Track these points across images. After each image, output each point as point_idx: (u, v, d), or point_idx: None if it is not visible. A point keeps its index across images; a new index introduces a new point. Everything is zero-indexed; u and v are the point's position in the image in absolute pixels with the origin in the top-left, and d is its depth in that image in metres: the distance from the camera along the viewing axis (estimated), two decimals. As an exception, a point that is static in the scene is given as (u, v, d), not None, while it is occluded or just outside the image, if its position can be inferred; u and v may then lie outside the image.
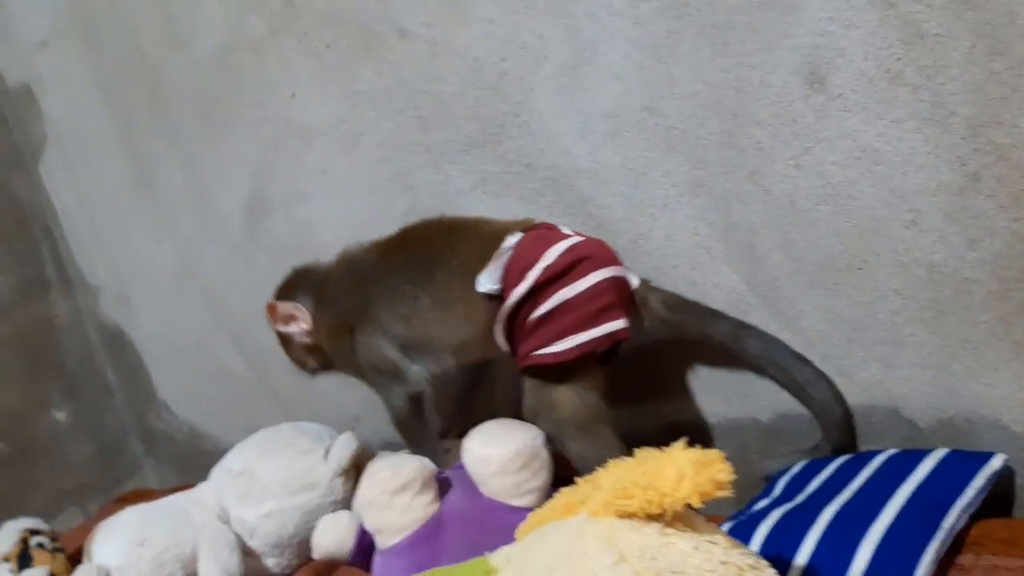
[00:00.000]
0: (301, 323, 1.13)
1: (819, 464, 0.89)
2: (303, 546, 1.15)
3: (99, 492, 1.90)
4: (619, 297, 0.91)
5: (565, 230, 0.97)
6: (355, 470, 1.21)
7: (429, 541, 0.88)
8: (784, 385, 0.93)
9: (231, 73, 1.37)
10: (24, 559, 1.33)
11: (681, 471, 0.56)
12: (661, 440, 0.90)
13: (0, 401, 1.76)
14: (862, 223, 0.89)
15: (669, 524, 0.58)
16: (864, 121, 0.85)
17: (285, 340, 1.18)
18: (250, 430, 1.67)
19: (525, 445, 0.90)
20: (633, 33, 0.96)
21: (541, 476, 0.91)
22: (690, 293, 1.01)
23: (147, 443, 1.96)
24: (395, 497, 0.89)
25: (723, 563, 0.56)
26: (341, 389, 1.47)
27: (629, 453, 0.87)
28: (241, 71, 1.35)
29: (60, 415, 1.87)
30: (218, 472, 1.23)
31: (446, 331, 0.98)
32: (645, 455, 0.61)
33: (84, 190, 1.77)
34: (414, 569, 0.86)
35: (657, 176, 1.00)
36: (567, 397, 0.91)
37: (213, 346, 1.66)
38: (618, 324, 0.90)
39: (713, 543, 0.58)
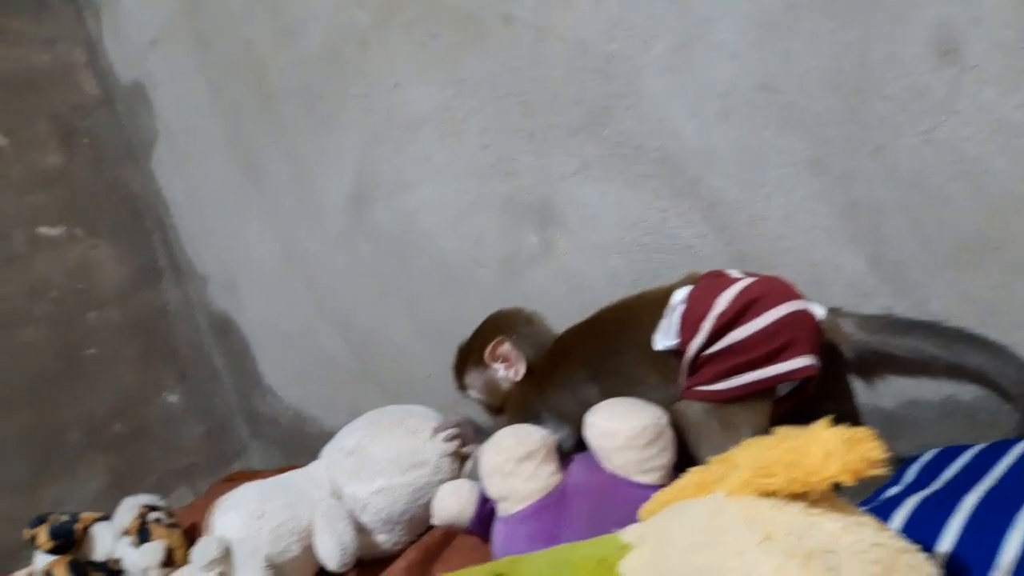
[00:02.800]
0: (511, 372, 1.11)
1: (952, 452, 0.86)
2: (413, 523, 1.18)
3: (208, 472, 1.99)
4: (799, 333, 0.87)
5: (734, 274, 0.95)
6: (460, 456, 1.24)
7: (553, 510, 0.88)
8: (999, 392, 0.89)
9: (336, 65, 1.40)
10: (143, 533, 1.40)
11: (828, 449, 0.54)
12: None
13: (117, 385, 1.85)
14: (998, 200, 0.85)
15: (813, 504, 0.57)
16: (1002, 93, 0.81)
17: (472, 360, 1.16)
18: (353, 414, 1.71)
19: (651, 422, 0.89)
20: (749, 9, 0.94)
21: (666, 455, 0.90)
22: (808, 275, 0.98)
23: (253, 425, 2.04)
24: (520, 464, 0.90)
25: (875, 545, 0.54)
26: (441, 373, 1.49)
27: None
28: (346, 63, 1.38)
29: (172, 398, 1.95)
30: (329, 451, 1.27)
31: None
32: (786, 433, 0.59)
33: (193, 183, 1.85)
34: (537, 537, 0.87)
35: (773, 155, 0.97)
36: (719, 428, 0.89)
37: (317, 332, 1.71)
38: (797, 363, 0.86)
39: (862, 524, 0.56)
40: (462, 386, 1.19)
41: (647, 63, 1.04)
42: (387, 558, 1.19)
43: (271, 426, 1.98)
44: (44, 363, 1.75)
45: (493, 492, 0.92)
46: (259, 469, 1.99)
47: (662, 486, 0.89)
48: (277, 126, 1.57)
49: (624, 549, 0.60)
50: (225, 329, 1.95)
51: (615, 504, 0.89)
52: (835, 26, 0.89)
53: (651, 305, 0.98)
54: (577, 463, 0.94)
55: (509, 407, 1.11)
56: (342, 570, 1.09)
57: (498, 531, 0.92)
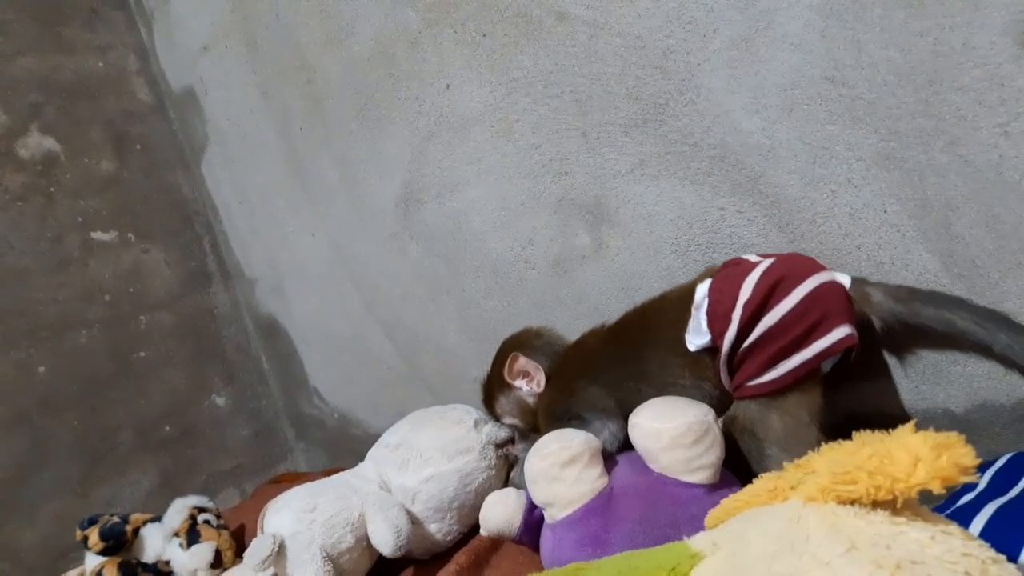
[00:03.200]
0: (534, 384, 1.11)
1: (1029, 457, 0.81)
2: (463, 512, 1.17)
3: (254, 474, 2.00)
4: (832, 305, 0.86)
5: (752, 258, 0.93)
6: (507, 460, 1.23)
7: (600, 514, 0.86)
8: None
9: (386, 67, 1.40)
10: (192, 534, 1.40)
11: (916, 455, 0.51)
12: (840, 434, 0.86)
13: (167, 387, 1.87)
14: (1083, 194, 0.80)
15: (896, 512, 0.54)
16: (1088, 81, 0.77)
17: (496, 386, 1.16)
18: (399, 416, 1.70)
19: (696, 419, 0.87)
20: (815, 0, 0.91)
21: (714, 452, 0.87)
22: (875, 275, 0.94)
23: (298, 428, 2.04)
24: (564, 469, 0.88)
25: (964, 555, 0.51)
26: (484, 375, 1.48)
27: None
28: (397, 65, 1.38)
29: (220, 400, 1.97)
30: (376, 450, 1.27)
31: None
32: (866, 438, 0.56)
33: (242, 187, 1.86)
34: (586, 542, 0.85)
35: (840, 150, 0.94)
36: (777, 419, 0.87)
37: (364, 335, 1.71)
38: (836, 335, 0.85)
39: (949, 534, 0.53)
40: (497, 417, 1.18)
41: (706, 57, 1.01)
42: (439, 558, 1.18)
43: (317, 428, 1.98)
44: (96, 366, 1.77)
45: (538, 498, 0.90)
46: (305, 472, 1.99)
47: (711, 485, 0.87)
48: (327, 129, 1.57)
49: (695, 558, 0.58)
50: (272, 332, 1.96)
51: (664, 505, 0.86)
52: (907, 15, 0.85)
53: (675, 303, 0.96)
54: (623, 464, 0.91)
55: (542, 417, 1.09)
56: (398, 554, 1.08)
57: (546, 538, 0.90)
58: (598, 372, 1.02)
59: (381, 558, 1.15)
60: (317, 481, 1.24)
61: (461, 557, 1.11)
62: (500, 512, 0.94)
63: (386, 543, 1.08)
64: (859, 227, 0.95)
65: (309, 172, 1.66)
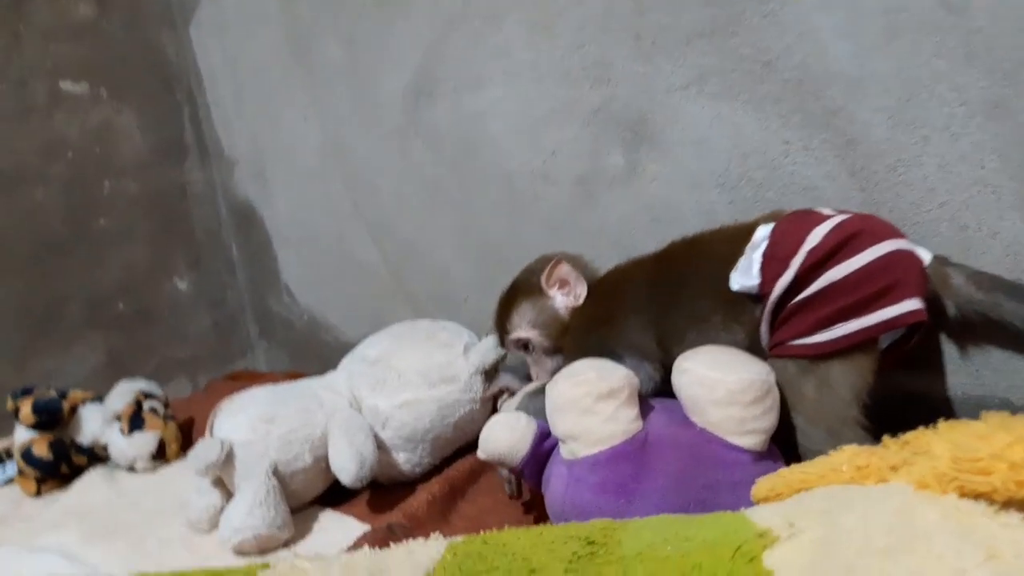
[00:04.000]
0: (571, 295, 0.99)
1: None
2: (437, 444, 1.06)
3: (209, 366, 1.87)
4: (906, 274, 0.76)
5: (825, 210, 0.82)
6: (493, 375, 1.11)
7: (632, 460, 0.75)
8: None
9: (417, -68, 1.23)
10: (136, 421, 1.28)
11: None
12: (894, 416, 0.76)
13: (126, 262, 1.72)
14: None
15: (1028, 514, 0.43)
16: None
17: (522, 292, 1.02)
18: (376, 327, 1.57)
19: (759, 377, 0.76)
20: (949, -96, 0.76)
21: (770, 417, 0.77)
22: (955, 241, 0.83)
23: (263, 325, 1.91)
24: (599, 402, 0.76)
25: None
26: (482, 299, 1.35)
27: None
28: (429, -70, 1.21)
29: (182, 284, 1.83)
30: (350, 360, 1.14)
31: (707, 343, 0.85)
32: (1004, 421, 0.45)
33: (234, 56, 1.68)
34: (608, 487, 0.74)
35: (943, 90, 0.81)
36: (813, 387, 0.78)
37: (349, 236, 1.56)
38: (906, 306, 0.74)
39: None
40: (505, 330, 1.04)
41: (801, -37, 0.87)
42: (404, 483, 1.07)
43: (283, 328, 1.85)
44: (51, 228, 1.62)
45: (561, 429, 0.78)
46: (264, 371, 1.87)
47: (758, 453, 0.77)
48: (337, 1, 1.40)
49: (765, 538, 0.46)
50: (247, 219, 1.81)
51: (705, 464, 0.76)
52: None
53: (728, 240, 0.86)
54: (658, 412, 0.80)
55: (572, 339, 0.97)
56: (357, 485, 0.97)
57: (557, 475, 0.79)
58: (638, 300, 0.91)
59: (337, 480, 1.02)
60: (280, 386, 1.12)
61: (435, 486, 1.00)
62: (505, 436, 0.83)
63: (346, 471, 0.96)
64: (948, 182, 0.83)
65: (311, 48, 1.49)
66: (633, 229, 1.10)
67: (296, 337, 1.81)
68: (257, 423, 0.99)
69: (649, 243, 0.99)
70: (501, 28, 1.16)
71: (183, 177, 1.82)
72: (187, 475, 1.22)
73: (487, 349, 1.08)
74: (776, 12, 0.90)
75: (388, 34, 1.33)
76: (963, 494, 0.44)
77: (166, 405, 1.36)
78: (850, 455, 0.52)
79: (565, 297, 0.99)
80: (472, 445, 1.10)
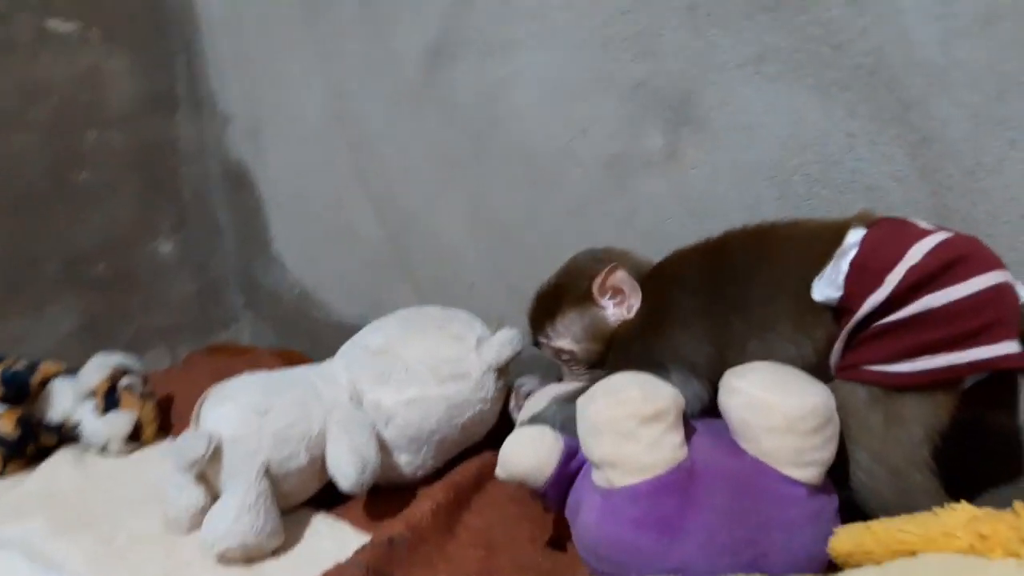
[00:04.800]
0: (624, 307, 0.88)
1: None
2: (443, 447, 0.97)
3: (190, 336, 1.77)
4: (1007, 312, 0.67)
5: (922, 223, 0.72)
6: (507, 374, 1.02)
7: (676, 493, 0.66)
8: None
9: None
10: (111, 399, 1.18)
11: None
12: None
13: (108, 219, 1.61)
14: None
15: None
16: None
17: (568, 299, 0.91)
18: (372, 306, 1.48)
19: (821, 402, 0.67)
20: None
21: (830, 448, 0.68)
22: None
23: (249, 295, 1.81)
24: (643, 426, 0.67)
25: None
26: (491, 284, 1.26)
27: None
28: None
29: (165, 247, 1.72)
30: (351, 348, 1.04)
31: (769, 356, 0.75)
32: None
33: (238, 3, 1.56)
34: (650, 524, 0.66)
35: (1043, 88, 0.72)
36: (882, 421, 0.69)
37: (349, 206, 1.46)
38: (1002, 349, 0.66)
39: None
40: (544, 334, 0.94)
41: (887, -67, 0.77)
42: (402, 487, 0.98)
43: (271, 301, 1.74)
44: (30, 178, 1.50)
45: (597, 455, 0.69)
46: (248, 346, 1.76)
47: (814, 487, 0.68)
48: (355, -53, 1.29)
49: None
50: (239, 181, 1.70)
51: (757, 501, 0.68)
52: None
53: (809, 237, 0.76)
54: (701, 436, 0.71)
55: (616, 352, 0.87)
56: (357, 491, 0.87)
57: (590, 505, 0.70)
58: (691, 303, 0.81)
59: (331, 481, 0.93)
60: (273, 373, 1.02)
61: (439, 493, 0.91)
62: (531, 454, 0.74)
63: (346, 477, 0.87)
64: (1035, 192, 0.75)
65: (322, 0, 1.37)
66: (666, 220, 1.01)
67: (284, 311, 1.71)
68: (249, 415, 0.90)
69: (683, 236, 0.89)
70: (534, -12, 1.06)
71: (173, 131, 1.70)
72: (165, 462, 1.14)
73: (502, 344, 0.98)
74: (854, -12, 0.80)
75: (408, -12, 1.22)
76: None
77: (145, 382, 1.26)
78: (967, 518, 0.44)
79: (617, 308, 0.88)
80: (478, 447, 1.02)
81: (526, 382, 1.01)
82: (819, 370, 0.74)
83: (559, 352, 0.92)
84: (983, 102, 0.76)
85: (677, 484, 0.66)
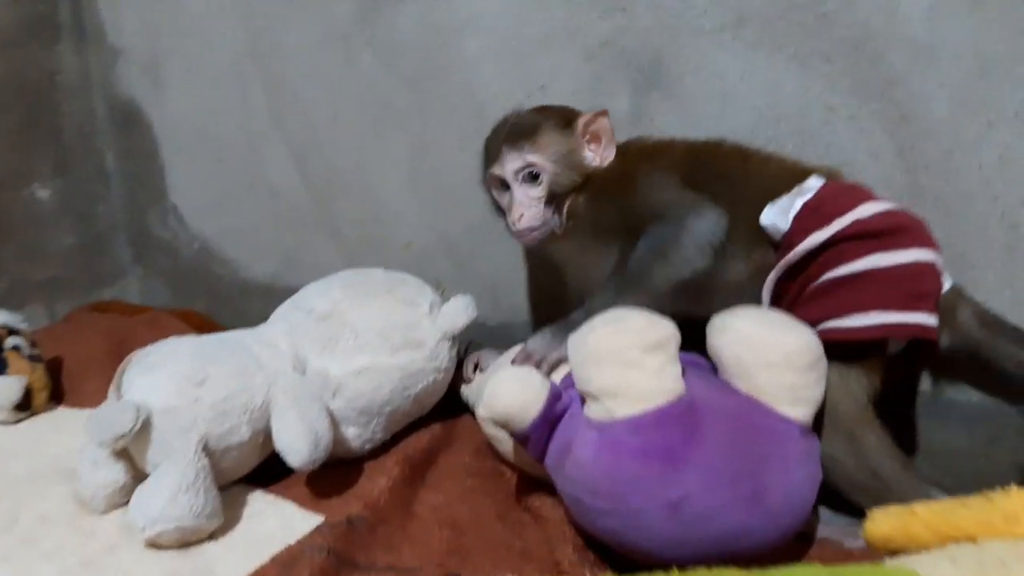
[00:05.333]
0: (604, 149, 0.86)
1: None
2: (392, 417, 0.91)
3: (71, 292, 1.60)
4: (933, 290, 0.73)
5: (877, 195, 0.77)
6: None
7: (681, 424, 0.65)
8: None
9: None
10: (-3, 363, 1.04)
11: None
12: None
13: (-25, 157, 1.41)
14: None
15: None
16: None
17: (549, 123, 0.86)
18: (286, 263, 1.39)
19: (814, 340, 0.70)
20: None
21: (821, 385, 0.70)
22: (1003, 239, 0.77)
23: (139, 248, 1.64)
24: (647, 354, 0.66)
25: None
26: (427, 247, 1.19)
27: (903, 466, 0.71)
28: None
29: (43, 192, 1.53)
30: (292, 312, 0.95)
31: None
32: None
33: (131, -82, 1.39)
34: (654, 454, 0.64)
35: (1022, 73, 0.73)
36: (837, 386, 0.72)
37: (263, 154, 1.34)
38: (926, 319, 0.71)
39: None
40: (518, 147, 0.85)
41: (882, -98, 0.76)
42: (348, 462, 0.91)
43: (165, 255, 1.59)
44: None
45: (596, 384, 0.66)
46: (139, 305, 1.61)
47: (805, 425, 0.70)
48: None
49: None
50: (131, 121, 1.53)
51: (755, 435, 0.68)
52: None
53: (780, 170, 0.80)
54: (692, 376, 0.69)
55: (593, 204, 0.84)
56: (308, 468, 0.80)
57: (583, 441, 0.67)
58: (670, 179, 0.81)
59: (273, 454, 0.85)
60: (204, 338, 0.92)
61: (393, 468, 0.85)
62: (516, 392, 0.70)
63: (297, 452, 0.79)
64: (1006, 175, 0.77)
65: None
66: (629, 185, 0.98)
67: (181, 267, 1.56)
68: (184, 385, 0.80)
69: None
70: (493, -71, 0.99)
71: (52, 63, 1.50)
72: (63, 432, 1.02)
73: (457, 311, 0.93)
74: (843, -44, 0.79)
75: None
76: None
77: (33, 344, 1.12)
78: (1008, 499, 0.43)
79: (591, 154, 0.86)
80: (426, 419, 0.97)
81: (480, 354, 0.96)
82: (746, 293, 0.78)
83: (527, 170, 0.84)
84: (964, 82, 0.77)
85: (681, 415, 0.65)
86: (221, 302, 1.52)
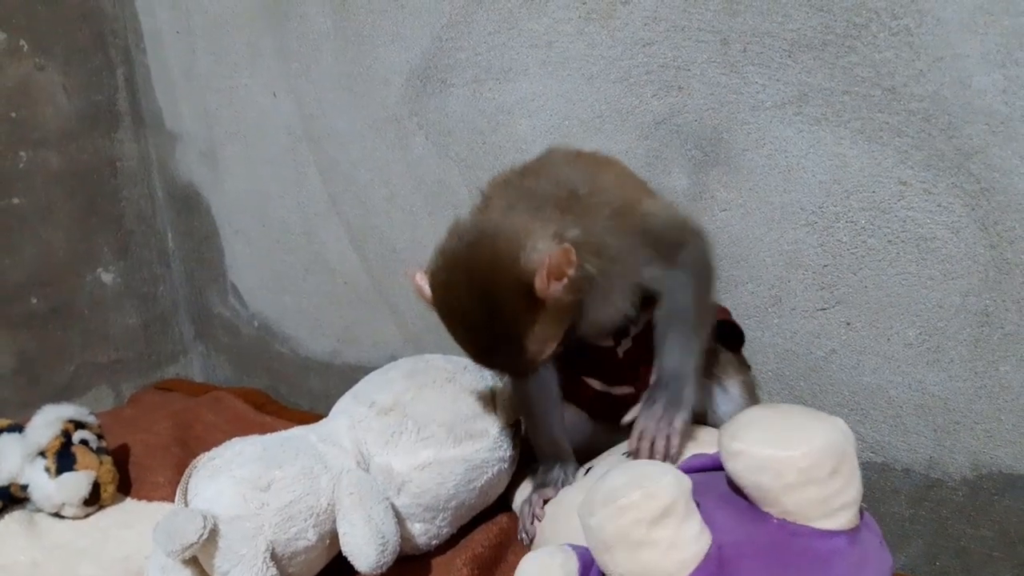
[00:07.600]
0: (575, 270, 0.69)
1: None
2: (459, 511, 0.89)
3: (136, 372, 1.63)
4: None
5: None
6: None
7: None
8: None
9: None
10: (65, 458, 1.05)
11: None
12: None
13: (43, 248, 1.46)
14: None
15: None
16: None
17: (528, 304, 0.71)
18: (346, 342, 1.39)
19: (829, 439, 0.60)
20: None
21: (855, 484, 0.61)
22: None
23: (200, 327, 1.67)
24: (654, 528, 0.59)
25: None
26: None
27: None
28: None
29: (107, 276, 1.57)
30: (352, 405, 0.94)
31: None
32: None
33: (187, 12, 1.43)
34: None
35: (1118, 142, 0.70)
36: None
37: (319, 235, 1.35)
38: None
39: None
40: (520, 365, 0.76)
41: (948, -27, 0.73)
42: (414, 558, 0.89)
43: (225, 333, 1.61)
44: (-47, 203, 1.34)
45: (618, 571, 0.61)
46: (202, 383, 1.63)
47: (852, 530, 0.61)
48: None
49: None
50: (190, 205, 1.56)
51: (799, 567, 0.60)
52: None
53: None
54: (719, 509, 0.63)
55: (604, 286, 0.75)
56: (376, 572, 0.78)
57: None
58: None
59: (339, 556, 0.83)
60: (269, 438, 0.90)
61: (461, 569, 0.83)
62: None
63: (365, 557, 0.77)
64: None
65: (290, 12, 1.26)
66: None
67: (242, 344, 1.58)
68: (249, 491, 0.79)
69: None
70: (544, 11, 0.99)
71: (113, 150, 1.55)
72: (131, 528, 1.02)
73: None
74: (911, 29, 0.76)
75: (394, 4, 1.12)
76: None
77: (100, 436, 1.12)
78: None
79: (564, 280, 0.69)
80: (493, 510, 0.94)
81: (544, 488, 0.87)
82: None
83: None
84: (1048, 153, 0.73)
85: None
86: (281, 378, 1.53)
